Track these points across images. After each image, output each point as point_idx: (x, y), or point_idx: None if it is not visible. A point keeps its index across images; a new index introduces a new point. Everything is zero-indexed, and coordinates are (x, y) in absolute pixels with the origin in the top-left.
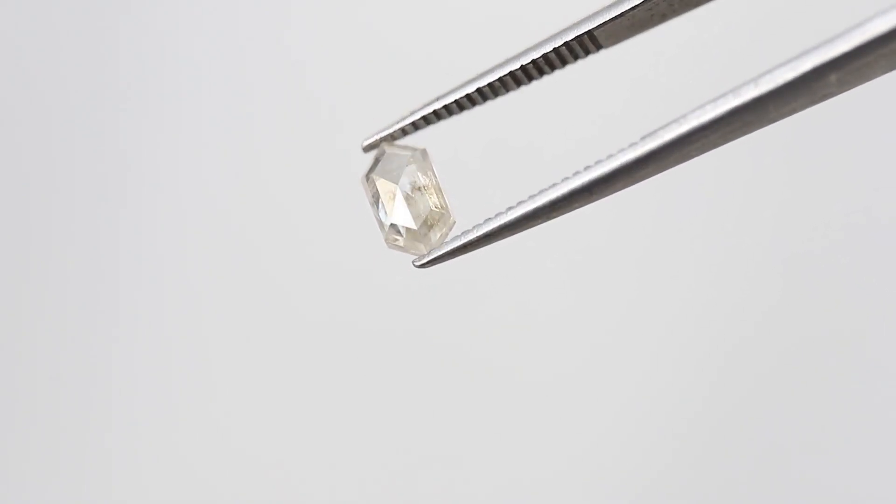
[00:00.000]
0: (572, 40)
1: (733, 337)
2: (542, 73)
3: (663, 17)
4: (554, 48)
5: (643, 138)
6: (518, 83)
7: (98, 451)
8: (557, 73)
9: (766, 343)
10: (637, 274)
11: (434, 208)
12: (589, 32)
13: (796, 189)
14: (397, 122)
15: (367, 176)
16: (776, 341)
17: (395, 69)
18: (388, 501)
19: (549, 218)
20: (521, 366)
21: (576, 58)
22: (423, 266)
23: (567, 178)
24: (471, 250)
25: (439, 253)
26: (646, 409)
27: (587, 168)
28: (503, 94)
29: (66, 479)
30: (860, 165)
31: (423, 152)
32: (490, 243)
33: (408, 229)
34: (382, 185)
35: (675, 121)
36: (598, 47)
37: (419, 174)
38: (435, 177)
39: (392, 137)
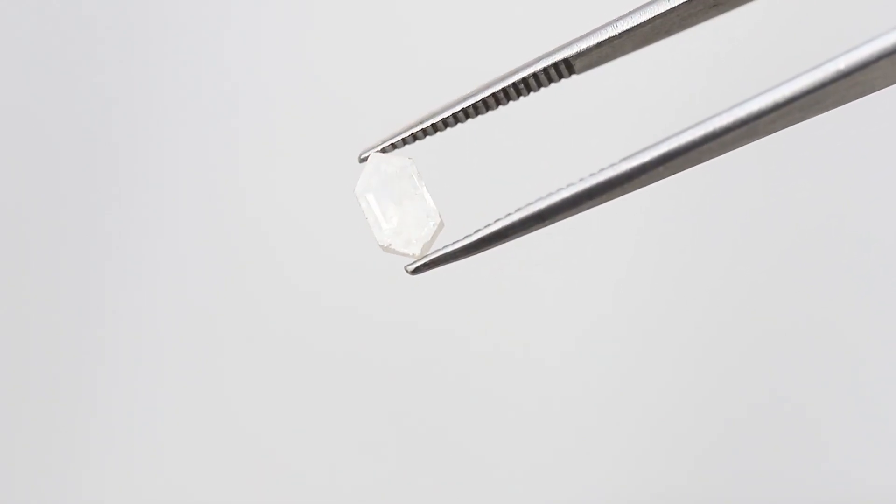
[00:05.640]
0: (550, 66)
1: (730, 340)
2: (520, 94)
3: (636, 47)
4: (533, 73)
5: (621, 160)
6: (498, 103)
7: (94, 452)
8: (535, 95)
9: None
10: (633, 277)
11: (423, 216)
12: (566, 60)
13: (791, 188)
14: (389, 138)
15: (360, 188)
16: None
17: (393, 72)
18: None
19: (537, 227)
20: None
21: (550, 82)
22: (415, 272)
23: (552, 193)
24: (462, 258)
25: (431, 258)
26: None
27: (570, 184)
28: (484, 112)
29: (60, 479)
30: (852, 164)
31: (411, 162)
32: (481, 251)
33: (400, 239)
34: (375, 195)
35: (654, 144)
36: (572, 73)
37: (408, 183)
38: (423, 185)
39: (384, 151)
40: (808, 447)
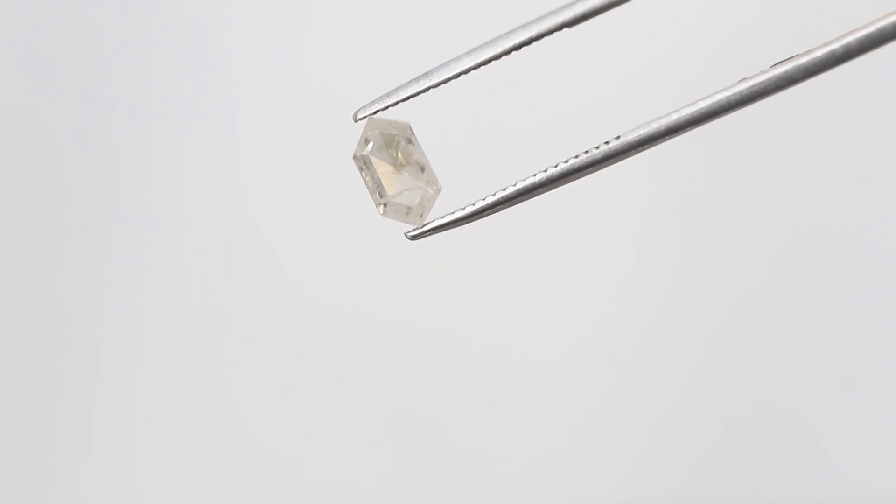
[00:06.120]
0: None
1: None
2: (513, 51)
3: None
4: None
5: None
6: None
7: (94, 452)
8: (528, 49)
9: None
10: (631, 271)
11: (422, 180)
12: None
13: (790, 186)
14: (386, 97)
15: (358, 153)
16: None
17: (392, 72)
18: (391, 498)
19: (537, 195)
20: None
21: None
22: (415, 237)
23: (551, 167)
24: (461, 224)
25: (431, 226)
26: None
27: (568, 160)
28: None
29: (60, 479)
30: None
31: (408, 127)
32: (480, 218)
33: (399, 203)
34: (372, 160)
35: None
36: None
37: (406, 148)
38: (420, 149)
39: (376, 112)
40: (807, 448)
